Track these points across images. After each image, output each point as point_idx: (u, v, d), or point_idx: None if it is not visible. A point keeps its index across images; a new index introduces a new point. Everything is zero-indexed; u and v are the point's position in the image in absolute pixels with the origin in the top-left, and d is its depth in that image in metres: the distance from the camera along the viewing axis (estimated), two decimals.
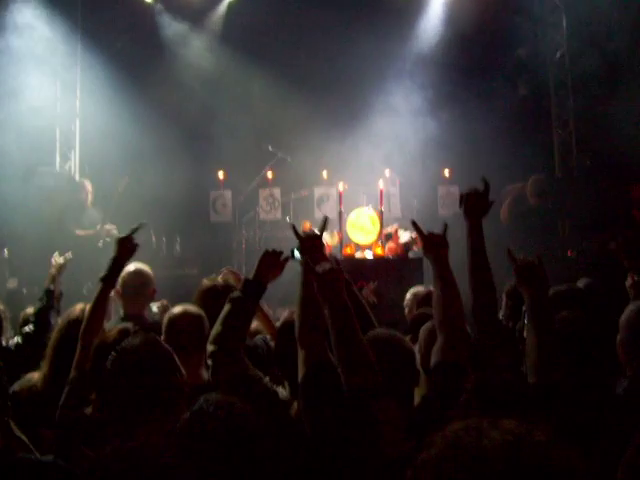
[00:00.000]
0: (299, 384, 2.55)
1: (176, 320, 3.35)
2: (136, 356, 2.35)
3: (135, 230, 3.67)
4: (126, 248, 3.58)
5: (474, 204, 2.99)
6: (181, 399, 2.23)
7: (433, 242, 2.91)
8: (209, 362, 2.88)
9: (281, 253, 3.16)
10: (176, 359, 2.44)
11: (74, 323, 3.51)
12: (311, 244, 2.96)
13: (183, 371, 2.44)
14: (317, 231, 3.08)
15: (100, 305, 3.38)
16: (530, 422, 1.15)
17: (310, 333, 2.59)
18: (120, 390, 2.33)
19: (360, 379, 2.08)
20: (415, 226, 3.18)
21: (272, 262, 3.01)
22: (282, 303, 6.68)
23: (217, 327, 2.92)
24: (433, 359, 2.53)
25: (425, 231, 3.00)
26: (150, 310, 4.67)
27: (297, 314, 2.70)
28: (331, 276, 2.45)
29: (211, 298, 3.83)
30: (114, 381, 2.35)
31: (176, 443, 1.86)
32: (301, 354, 2.57)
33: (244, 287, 3.07)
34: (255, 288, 3.06)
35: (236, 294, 3.05)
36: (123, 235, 3.62)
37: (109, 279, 3.47)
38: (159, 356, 2.38)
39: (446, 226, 2.98)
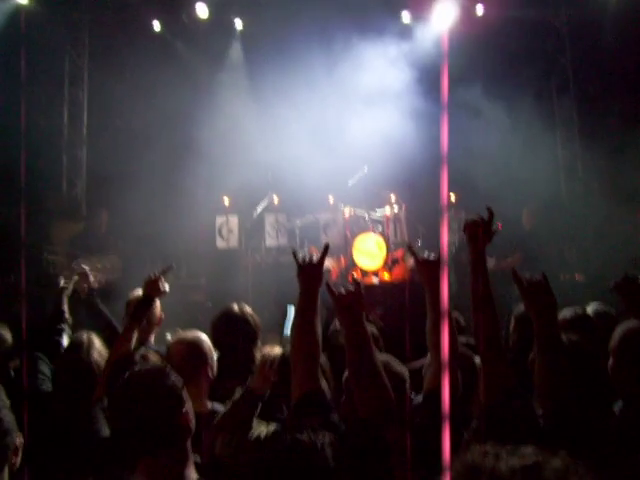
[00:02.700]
0: (291, 409, 2.52)
1: (172, 347, 3.38)
2: (142, 387, 2.25)
3: (164, 272, 3.74)
4: (156, 289, 3.67)
5: (476, 232, 2.93)
6: (185, 437, 2.17)
7: (428, 267, 2.85)
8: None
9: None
10: (184, 393, 2.30)
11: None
12: (309, 272, 2.83)
13: (189, 407, 2.30)
14: (316, 259, 2.87)
15: (126, 340, 3.50)
16: (548, 449, 1.13)
17: (305, 360, 2.55)
18: (123, 419, 2.28)
19: (375, 406, 2.05)
20: (411, 250, 3.13)
21: None
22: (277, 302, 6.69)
23: None
24: (426, 385, 2.47)
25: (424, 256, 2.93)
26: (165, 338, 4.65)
27: (293, 338, 2.64)
28: (350, 299, 2.45)
29: (224, 324, 3.83)
30: (118, 409, 2.30)
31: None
32: (295, 380, 2.54)
33: None
34: None
35: None
36: (152, 277, 3.69)
37: (137, 318, 3.59)
38: (165, 388, 2.28)
39: (440, 252, 2.90)
